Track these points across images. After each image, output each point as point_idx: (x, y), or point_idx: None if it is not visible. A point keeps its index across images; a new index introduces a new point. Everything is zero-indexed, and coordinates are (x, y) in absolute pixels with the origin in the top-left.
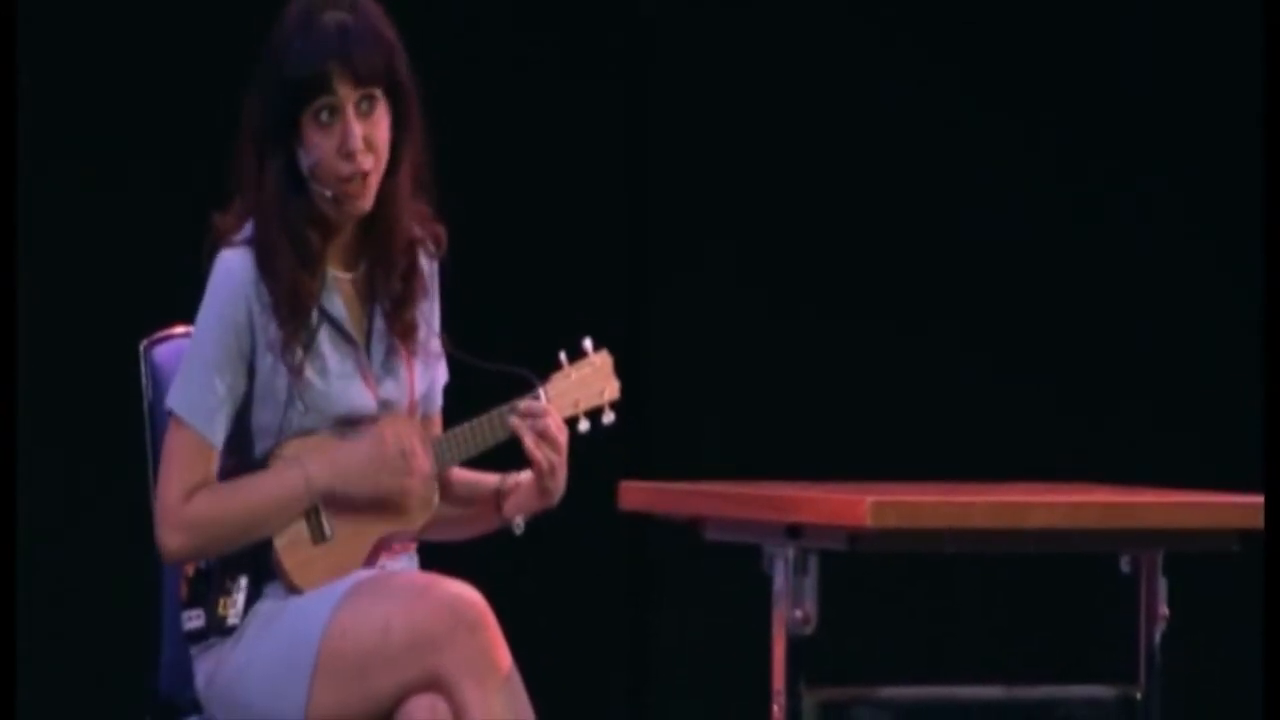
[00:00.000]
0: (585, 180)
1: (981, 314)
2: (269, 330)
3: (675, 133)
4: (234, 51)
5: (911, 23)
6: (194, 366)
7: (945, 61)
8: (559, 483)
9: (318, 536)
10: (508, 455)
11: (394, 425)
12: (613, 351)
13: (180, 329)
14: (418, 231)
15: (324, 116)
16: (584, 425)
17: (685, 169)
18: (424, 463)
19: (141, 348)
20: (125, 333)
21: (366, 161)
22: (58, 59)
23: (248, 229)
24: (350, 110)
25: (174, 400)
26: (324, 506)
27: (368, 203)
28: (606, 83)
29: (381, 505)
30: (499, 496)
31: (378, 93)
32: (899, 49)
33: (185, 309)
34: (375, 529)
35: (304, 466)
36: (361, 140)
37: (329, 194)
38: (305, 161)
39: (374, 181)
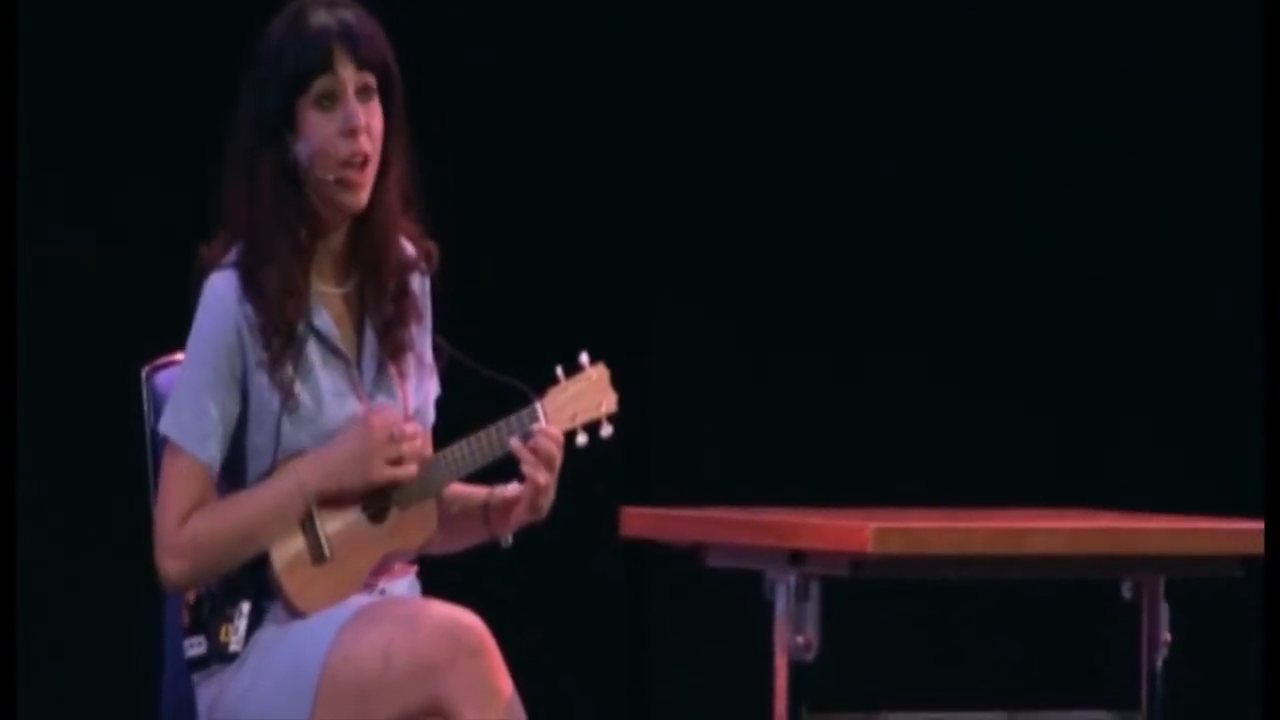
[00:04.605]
0: (584, 204)
1: (982, 339)
2: (258, 350)
3: (676, 156)
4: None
5: (914, 50)
6: (186, 391)
7: (950, 93)
8: (549, 500)
9: (317, 557)
10: (498, 467)
11: (380, 413)
12: (613, 377)
13: (181, 355)
14: (409, 252)
15: (324, 102)
16: (582, 439)
17: (686, 193)
18: (415, 443)
19: (143, 374)
20: (127, 359)
21: (367, 143)
22: (59, 80)
23: (234, 253)
24: (351, 92)
25: (167, 425)
26: (322, 517)
27: (364, 195)
28: (606, 106)
29: (381, 516)
30: (487, 510)
31: (374, 83)
32: (900, 75)
33: (187, 335)
34: (376, 549)
35: (296, 471)
36: (362, 121)
37: (330, 178)
38: (304, 151)
39: (370, 173)
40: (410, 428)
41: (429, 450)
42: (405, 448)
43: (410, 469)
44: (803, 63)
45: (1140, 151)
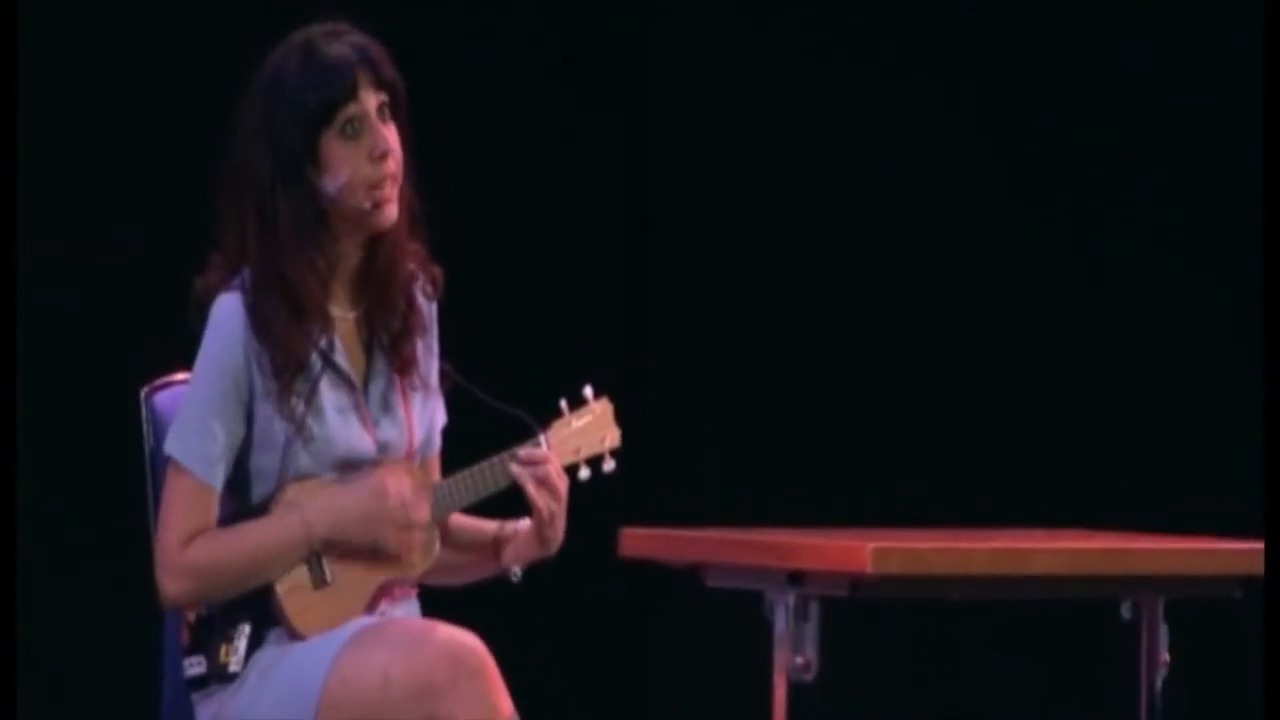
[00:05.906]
0: (584, 225)
1: (981, 359)
2: (267, 378)
3: (676, 177)
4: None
5: (914, 50)
6: (192, 411)
7: (950, 93)
8: (558, 531)
9: (319, 581)
10: (508, 502)
11: (394, 476)
12: (613, 397)
13: (181, 376)
14: (414, 268)
15: (348, 129)
16: (584, 473)
17: (685, 213)
18: (423, 513)
19: (142, 394)
20: (126, 379)
21: (395, 164)
22: (58, 101)
23: (240, 279)
24: (374, 115)
25: (172, 445)
26: (324, 552)
27: (394, 211)
28: (606, 117)
29: (381, 552)
30: (498, 544)
31: (389, 101)
32: (900, 75)
33: (186, 355)
34: (376, 575)
35: (304, 514)
36: (389, 145)
37: (366, 205)
38: (332, 185)
39: (396, 189)
40: (420, 510)
41: (434, 476)
42: (415, 515)
43: (418, 538)
44: (803, 63)
45: (1140, 151)
